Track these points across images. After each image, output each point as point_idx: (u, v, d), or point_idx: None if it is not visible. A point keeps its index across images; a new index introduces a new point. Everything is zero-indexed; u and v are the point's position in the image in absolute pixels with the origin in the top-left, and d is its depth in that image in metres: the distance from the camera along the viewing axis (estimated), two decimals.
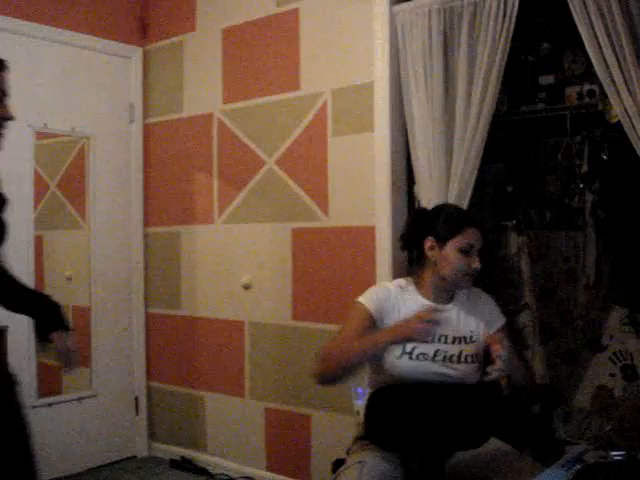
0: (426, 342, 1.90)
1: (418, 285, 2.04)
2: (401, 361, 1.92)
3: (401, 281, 2.08)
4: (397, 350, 1.91)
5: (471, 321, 2.01)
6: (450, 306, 2.02)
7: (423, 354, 1.94)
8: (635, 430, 2.48)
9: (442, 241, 1.97)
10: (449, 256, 1.96)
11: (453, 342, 1.97)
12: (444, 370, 1.92)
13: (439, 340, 1.95)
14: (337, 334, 2.00)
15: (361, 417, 2.05)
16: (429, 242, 1.99)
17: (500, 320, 2.06)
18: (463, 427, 1.84)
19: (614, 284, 2.66)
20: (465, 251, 1.95)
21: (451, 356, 1.95)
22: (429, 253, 1.99)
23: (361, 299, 2.01)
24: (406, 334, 1.82)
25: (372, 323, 1.96)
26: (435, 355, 1.95)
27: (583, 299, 2.73)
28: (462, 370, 1.94)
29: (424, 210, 2.18)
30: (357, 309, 1.99)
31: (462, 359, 1.95)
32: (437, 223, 2.01)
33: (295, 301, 3.02)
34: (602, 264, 2.69)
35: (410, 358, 1.94)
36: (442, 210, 2.09)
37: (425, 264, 2.02)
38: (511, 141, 2.83)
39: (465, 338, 1.98)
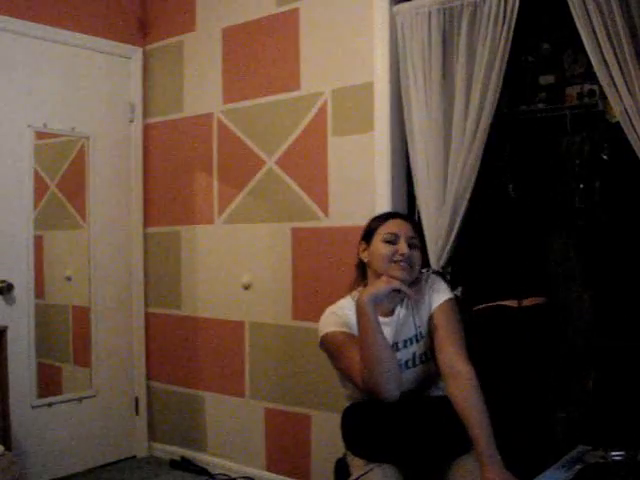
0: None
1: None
2: None
3: (349, 298, 2.02)
4: None
5: (418, 316, 1.96)
6: (397, 310, 1.97)
7: None
8: (635, 430, 2.48)
9: (368, 239, 1.99)
10: (376, 248, 1.95)
11: (405, 346, 1.94)
12: (403, 378, 1.89)
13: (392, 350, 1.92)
14: (346, 369, 1.90)
15: None
16: (360, 247, 2.02)
17: (443, 295, 1.97)
18: (439, 437, 1.79)
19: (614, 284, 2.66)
20: (389, 241, 1.93)
21: (407, 361, 1.93)
22: (362, 256, 2.00)
23: (327, 330, 1.95)
24: (378, 289, 1.83)
25: (353, 336, 1.90)
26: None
27: (583, 299, 2.73)
28: (421, 371, 1.93)
29: None
30: (333, 339, 1.92)
31: (417, 361, 1.94)
32: (365, 228, 2.04)
33: (295, 301, 3.02)
34: (601, 265, 2.69)
35: None
36: (373, 217, 2.09)
37: (365, 271, 2.01)
38: (511, 141, 2.83)
39: (414, 337, 1.95)
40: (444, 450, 1.80)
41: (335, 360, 1.94)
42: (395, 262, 1.90)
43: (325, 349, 1.98)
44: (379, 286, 1.85)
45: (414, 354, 1.94)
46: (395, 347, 1.93)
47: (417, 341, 1.95)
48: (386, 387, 1.78)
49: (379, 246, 1.94)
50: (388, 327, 1.93)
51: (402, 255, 1.90)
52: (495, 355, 2.55)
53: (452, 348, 1.87)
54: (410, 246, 1.92)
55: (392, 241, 1.92)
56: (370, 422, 1.84)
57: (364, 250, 2.00)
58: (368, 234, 2.01)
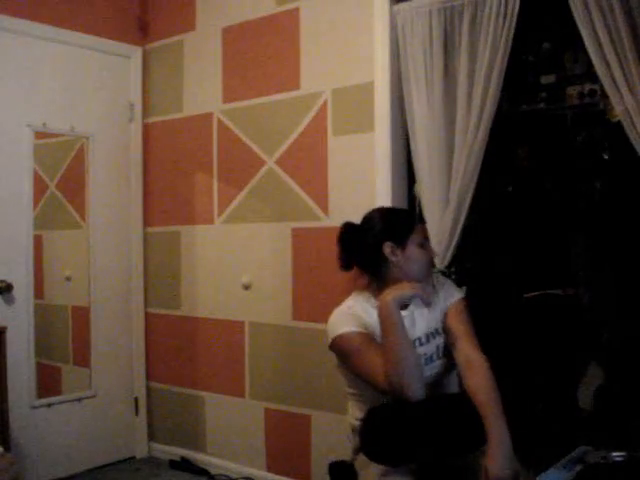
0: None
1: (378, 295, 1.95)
2: None
3: (357, 298, 1.99)
4: None
5: (434, 310, 1.99)
6: (412, 307, 1.98)
7: None
8: (635, 430, 2.48)
9: (401, 243, 1.95)
10: (413, 254, 1.95)
11: (428, 341, 1.96)
12: (428, 372, 1.92)
13: (414, 344, 1.92)
14: (366, 369, 1.85)
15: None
16: (388, 248, 1.95)
17: (456, 294, 2.04)
18: (463, 434, 1.81)
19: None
20: (422, 245, 1.98)
21: (431, 355, 1.95)
22: (393, 258, 1.94)
23: (342, 330, 1.89)
24: (405, 291, 1.84)
25: (370, 337, 1.89)
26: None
27: (584, 299, 2.74)
28: (443, 363, 1.97)
29: (352, 224, 2.04)
30: (350, 340, 1.88)
31: (440, 353, 1.97)
32: (391, 227, 1.98)
33: (295, 301, 3.02)
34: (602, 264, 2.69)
35: None
36: (387, 214, 2.06)
37: (385, 271, 1.96)
38: (511, 140, 2.84)
39: (435, 331, 1.98)
40: (468, 449, 1.82)
41: (352, 361, 1.89)
42: (429, 267, 2.01)
43: (338, 350, 1.92)
44: (404, 290, 1.84)
45: (437, 347, 1.96)
46: (419, 342, 1.95)
47: (439, 334, 1.98)
48: (413, 386, 1.77)
49: (417, 252, 1.96)
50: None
51: (433, 259, 2.03)
52: (545, 337, 2.78)
53: (468, 340, 1.93)
54: None
55: (424, 245, 1.99)
56: (398, 424, 1.80)
57: (393, 252, 1.94)
58: (399, 236, 1.96)
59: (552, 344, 2.80)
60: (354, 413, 2.00)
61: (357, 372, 1.90)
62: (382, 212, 2.09)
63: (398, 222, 2.01)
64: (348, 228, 2.03)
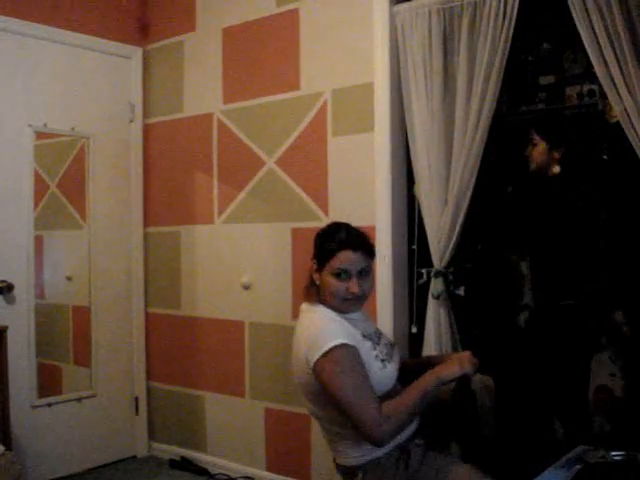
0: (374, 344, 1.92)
1: (327, 305, 1.93)
2: (387, 370, 1.90)
3: (322, 309, 1.93)
4: (377, 362, 1.87)
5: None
6: (356, 312, 1.97)
7: (383, 359, 1.91)
8: (635, 430, 2.48)
9: (320, 265, 1.91)
10: (327, 281, 1.89)
11: (380, 338, 1.98)
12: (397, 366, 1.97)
13: (376, 341, 1.94)
14: (355, 388, 1.75)
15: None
16: (313, 265, 1.94)
17: None
18: None
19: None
20: (338, 275, 1.87)
21: (392, 355, 1.97)
22: (314, 276, 1.93)
23: (342, 340, 1.78)
24: (458, 372, 1.83)
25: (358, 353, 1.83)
26: (387, 355, 1.94)
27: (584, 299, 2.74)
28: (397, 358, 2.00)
29: (324, 228, 2.03)
30: (351, 354, 1.79)
31: (394, 349, 2.01)
32: (319, 247, 1.94)
33: (295, 301, 3.02)
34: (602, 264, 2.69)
35: (384, 366, 1.89)
36: (322, 232, 1.99)
37: (319, 288, 1.94)
38: (511, 141, 2.84)
39: (379, 331, 2.03)
40: None
41: (347, 376, 1.76)
42: (347, 300, 1.90)
43: (335, 361, 1.77)
44: (454, 371, 1.84)
45: (389, 345, 2.00)
46: (377, 339, 1.97)
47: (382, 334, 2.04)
48: (392, 436, 1.79)
49: (330, 280, 1.89)
50: (355, 321, 1.96)
51: (353, 294, 1.88)
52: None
53: None
54: (361, 273, 1.90)
55: (341, 275, 1.88)
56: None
57: (315, 271, 1.93)
58: (320, 257, 1.92)
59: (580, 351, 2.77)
60: (347, 452, 1.91)
61: (341, 394, 1.76)
62: (331, 228, 2.00)
63: (322, 243, 1.94)
64: (321, 230, 2.02)
